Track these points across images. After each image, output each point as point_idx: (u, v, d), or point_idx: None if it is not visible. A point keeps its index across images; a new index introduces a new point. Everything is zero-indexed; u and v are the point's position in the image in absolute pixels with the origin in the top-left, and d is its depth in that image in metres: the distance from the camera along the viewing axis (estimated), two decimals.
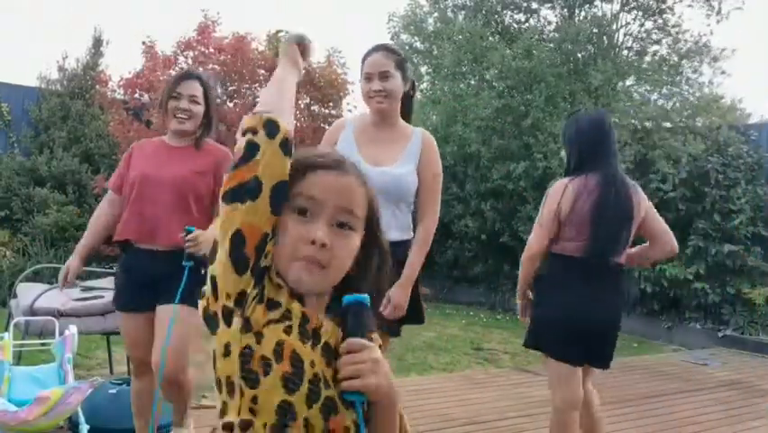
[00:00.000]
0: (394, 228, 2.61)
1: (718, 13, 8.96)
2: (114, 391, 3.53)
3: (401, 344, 6.31)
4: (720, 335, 7.54)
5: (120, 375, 4.26)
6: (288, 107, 1.25)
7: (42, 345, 3.92)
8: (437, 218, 2.81)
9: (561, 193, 2.89)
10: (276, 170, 1.06)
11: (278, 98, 1.24)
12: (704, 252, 7.70)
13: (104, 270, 5.74)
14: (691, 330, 7.79)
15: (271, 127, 1.08)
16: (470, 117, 9.23)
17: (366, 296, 1.08)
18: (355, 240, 1.13)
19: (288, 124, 1.12)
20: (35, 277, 5.47)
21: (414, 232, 2.76)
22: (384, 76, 2.72)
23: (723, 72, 9.02)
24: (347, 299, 1.08)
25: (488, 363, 5.99)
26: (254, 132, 1.07)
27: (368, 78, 2.73)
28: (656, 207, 9.62)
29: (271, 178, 1.06)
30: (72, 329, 3.46)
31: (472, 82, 9.94)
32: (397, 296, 2.58)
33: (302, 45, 1.46)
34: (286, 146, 1.08)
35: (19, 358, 3.99)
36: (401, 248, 2.61)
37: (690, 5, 9.10)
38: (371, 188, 1.18)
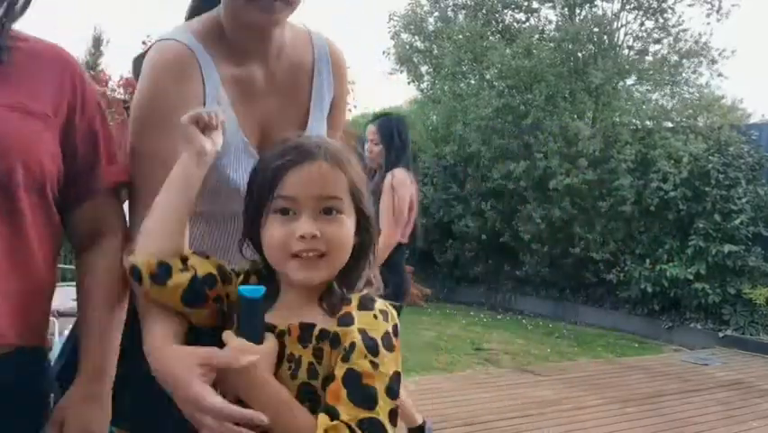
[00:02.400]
0: None
1: (719, 11, 8.95)
2: None
3: (402, 344, 6.29)
4: (721, 335, 7.53)
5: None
6: (170, 228, 1.13)
7: None
8: None
9: (408, 184, 3.39)
10: (168, 298, 1.12)
11: (153, 223, 1.14)
12: (705, 252, 7.69)
13: None
14: (692, 330, 7.78)
15: (136, 275, 1.12)
16: (471, 117, 9.22)
17: (259, 288, 1.07)
18: (346, 221, 1.10)
19: (161, 245, 1.12)
20: None
21: None
22: None
23: (720, 75, 9.02)
24: (240, 290, 1.07)
25: (488, 364, 5.98)
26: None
27: None
28: (657, 207, 9.59)
29: (174, 304, 1.13)
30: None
31: (472, 82, 9.93)
32: None
33: (201, 123, 1.15)
34: (156, 278, 1.10)
35: None
36: None
37: (690, 5, 9.08)
38: (349, 164, 1.12)
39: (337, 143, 1.16)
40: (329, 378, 1.03)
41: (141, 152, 1.28)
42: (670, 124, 8.81)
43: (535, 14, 10.14)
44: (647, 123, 8.88)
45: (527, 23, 10.23)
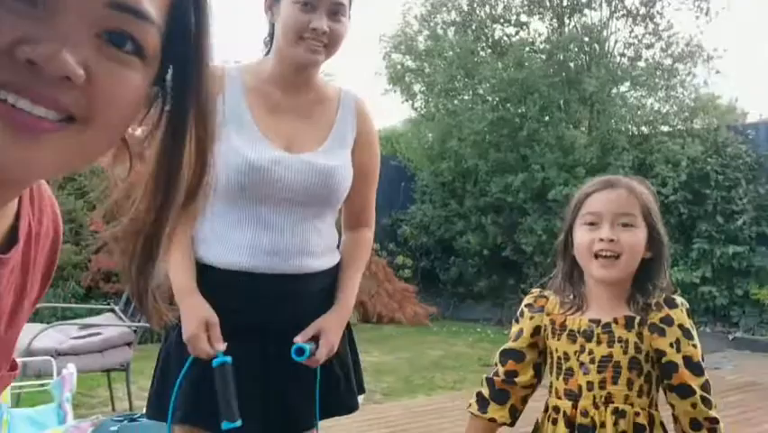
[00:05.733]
0: (316, 250, 1.72)
1: (707, 13, 8.96)
2: (115, 428, 3.45)
3: (407, 364, 6.22)
4: (731, 337, 7.44)
5: (122, 412, 4.18)
6: None
7: (41, 385, 3.86)
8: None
9: None
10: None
11: None
12: (709, 254, 7.63)
13: (102, 306, 5.68)
14: (701, 334, 7.57)
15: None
16: (466, 132, 9.20)
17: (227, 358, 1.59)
18: (638, 234, 1.48)
19: None
20: (34, 317, 5.41)
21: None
22: (336, 11, 1.66)
23: (717, 72, 9.00)
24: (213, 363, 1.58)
25: None
26: None
27: (308, 2, 1.62)
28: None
29: None
30: (70, 368, 3.39)
31: (466, 97, 9.93)
32: (333, 331, 1.70)
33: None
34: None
35: (18, 400, 3.93)
36: (328, 279, 1.77)
37: (677, 9, 9.12)
38: (642, 193, 1.52)
39: (635, 180, 1.57)
40: (648, 353, 1.47)
41: None
42: (666, 129, 8.79)
43: (525, 27, 10.17)
44: (643, 128, 8.86)
45: (517, 37, 10.26)
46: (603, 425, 1.45)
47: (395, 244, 9.90)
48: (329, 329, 1.68)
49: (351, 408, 1.82)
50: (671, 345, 1.46)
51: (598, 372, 1.47)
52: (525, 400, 1.63)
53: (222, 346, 1.59)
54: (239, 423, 1.53)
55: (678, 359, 1.45)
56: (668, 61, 9.09)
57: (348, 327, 1.84)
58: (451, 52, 9.92)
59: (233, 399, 1.53)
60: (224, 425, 1.51)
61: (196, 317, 1.60)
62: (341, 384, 1.77)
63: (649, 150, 8.35)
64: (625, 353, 1.46)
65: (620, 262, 1.46)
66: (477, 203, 9.44)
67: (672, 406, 1.49)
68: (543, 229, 8.53)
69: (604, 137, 8.54)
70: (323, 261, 1.74)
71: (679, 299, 1.51)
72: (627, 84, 9.22)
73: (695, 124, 8.67)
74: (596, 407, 1.47)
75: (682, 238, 7.97)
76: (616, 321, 1.48)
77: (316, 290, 1.73)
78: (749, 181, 7.85)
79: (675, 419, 1.51)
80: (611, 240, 1.45)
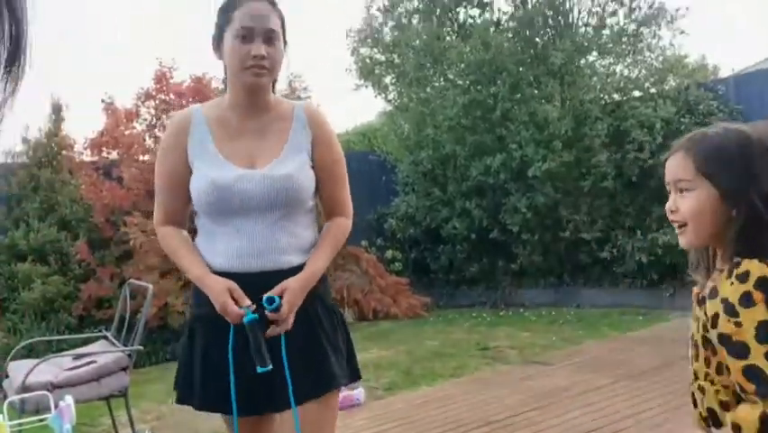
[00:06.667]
0: (286, 248, 1.95)
1: None
2: None
3: (406, 356, 6.23)
4: None
5: None
6: None
7: (40, 420, 3.83)
8: (352, 212, 2.11)
9: None
10: None
11: None
12: None
13: (96, 334, 5.66)
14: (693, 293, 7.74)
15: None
16: (440, 119, 9.21)
17: (255, 315, 1.84)
18: (693, 196, 1.39)
19: None
20: (29, 353, 5.37)
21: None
22: (270, 38, 1.92)
23: (682, 32, 9.04)
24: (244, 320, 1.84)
25: (495, 362, 5.91)
26: None
27: (246, 36, 1.90)
28: (639, 177, 9.58)
29: None
30: (68, 400, 3.37)
31: (437, 84, 9.93)
32: (293, 291, 1.89)
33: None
34: None
35: None
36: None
37: None
38: (694, 150, 1.40)
39: (706, 131, 1.45)
40: None
41: (157, 171, 2.07)
42: (637, 93, 8.82)
43: (489, 8, 10.16)
44: (615, 95, 8.89)
45: (482, 18, 10.25)
46: (695, 404, 1.50)
47: (383, 239, 9.91)
48: (291, 289, 1.88)
49: (344, 381, 2.02)
50: (711, 324, 1.36)
51: (692, 349, 1.50)
52: None
53: (248, 302, 1.84)
54: (270, 367, 1.81)
55: (713, 336, 1.35)
56: (632, 26, 9.13)
57: (337, 314, 2.08)
58: (417, 41, 9.91)
59: (264, 348, 1.81)
60: (259, 369, 1.81)
61: (219, 290, 1.86)
62: (329, 356, 1.95)
63: (623, 116, 8.37)
64: (697, 331, 1.44)
65: (688, 229, 1.41)
66: (459, 188, 9.44)
67: None
68: (527, 207, 8.56)
69: (576, 108, 8.56)
70: (294, 257, 1.96)
71: (742, 267, 1.29)
72: (595, 53, 9.25)
73: (665, 86, 8.70)
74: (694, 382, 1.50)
75: (665, 200, 7.98)
76: (697, 299, 1.48)
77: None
78: None
79: None
80: (671, 211, 1.44)
